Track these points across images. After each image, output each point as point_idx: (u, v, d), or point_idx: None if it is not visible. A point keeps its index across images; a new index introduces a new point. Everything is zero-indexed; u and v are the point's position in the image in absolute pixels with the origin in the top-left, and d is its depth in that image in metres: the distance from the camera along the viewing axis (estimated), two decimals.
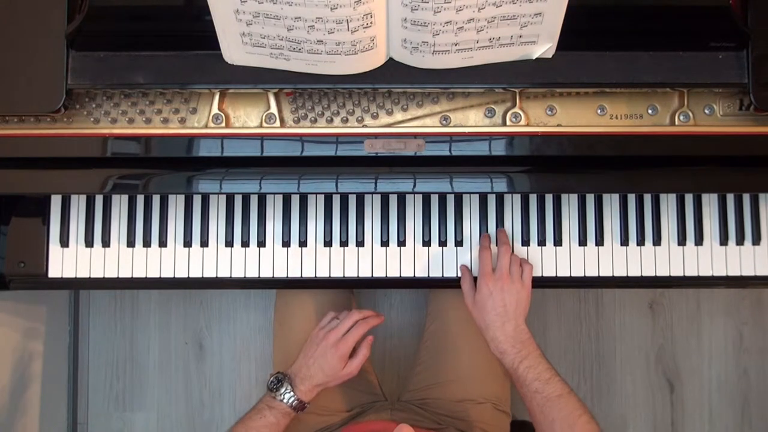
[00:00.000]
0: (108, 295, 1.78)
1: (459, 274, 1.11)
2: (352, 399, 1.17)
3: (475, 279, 1.08)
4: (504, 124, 1.02)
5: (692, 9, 0.94)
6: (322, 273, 1.13)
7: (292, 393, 1.02)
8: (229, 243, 1.13)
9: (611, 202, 1.14)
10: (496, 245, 1.11)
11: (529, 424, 1.27)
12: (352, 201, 1.14)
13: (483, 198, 1.14)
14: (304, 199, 1.14)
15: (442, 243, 1.13)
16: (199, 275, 1.13)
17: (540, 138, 1.01)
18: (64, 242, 1.13)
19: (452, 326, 1.19)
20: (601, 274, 1.13)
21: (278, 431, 1.02)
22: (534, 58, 0.95)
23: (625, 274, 1.13)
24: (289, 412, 1.02)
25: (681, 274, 1.13)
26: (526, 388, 0.98)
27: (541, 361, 0.99)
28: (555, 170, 1.04)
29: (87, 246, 1.13)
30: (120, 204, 1.14)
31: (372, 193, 1.12)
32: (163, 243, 1.13)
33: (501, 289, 1.02)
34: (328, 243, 1.13)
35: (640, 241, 1.13)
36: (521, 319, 1.02)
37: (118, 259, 1.13)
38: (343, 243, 1.13)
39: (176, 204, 1.14)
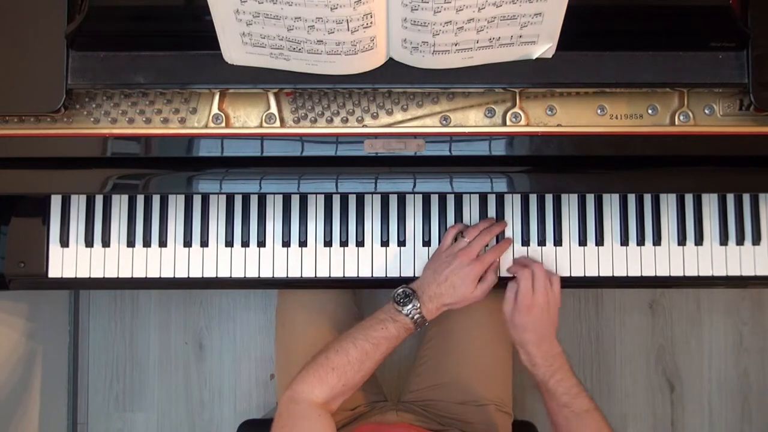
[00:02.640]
0: (108, 295, 1.78)
1: None
2: (355, 397, 1.17)
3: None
4: (504, 124, 1.02)
5: (692, 9, 0.94)
6: (322, 273, 1.13)
7: (419, 310, 1.00)
8: (229, 243, 1.13)
9: (611, 202, 1.14)
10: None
11: (530, 425, 1.27)
12: (352, 201, 1.14)
13: (483, 198, 1.14)
14: (304, 199, 1.14)
15: None
16: (199, 275, 1.13)
17: (540, 138, 1.01)
18: (64, 242, 1.13)
19: (454, 327, 1.19)
20: (601, 274, 1.13)
21: (395, 344, 1.01)
22: (534, 58, 0.95)
23: (625, 274, 1.13)
24: (411, 328, 1.01)
25: (681, 274, 1.13)
26: (556, 401, 0.98)
27: (571, 375, 0.99)
28: (555, 170, 1.04)
29: (87, 246, 1.13)
30: (120, 204, 1.14)
31: (372, 193, 1.12)
32: (163, 243, 1.13)
33: (541, 311, 1.01)
34: (328, 243, 1.13)
35: (640, 241, 1.13)
36: (554, 335, 1.02)
37: (118, 259, 1.13)
38: (343, 243, 1.13)
39: (176, 204, 1.14)
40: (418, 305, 1.00)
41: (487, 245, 1.08)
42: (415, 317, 1.00)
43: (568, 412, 0.96)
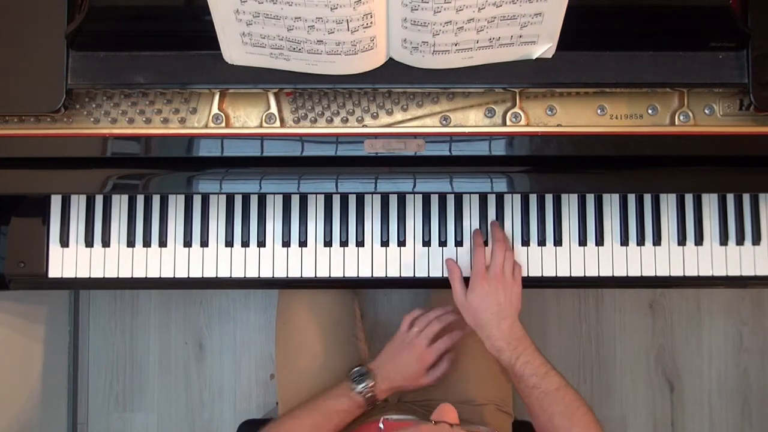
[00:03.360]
0: (108, 295, 1.78)
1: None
2: None
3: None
4: (504, 124, 1.02)
5: (692, 9, 0.94)
6: (322, 273, 1.13)
7: (372, 389, 1.05)
8: (229, 243, 1.13)
9: (611, 202, 1.14)
10: (491, 240, 1.10)
11: (530, 425, 1.27)
12: (352, 201, 1.14)
13: (483, 198, 1.14)
14: (304, 199, 1.14)
15: (442, 243, 1.13)
16: (199, 275, 1.13)
17: (540, 138, 1.01)
18: (64, 242, 1.13)
19: (454, 327, 1.18)
20: (601, 274, 1.13)
21: (347, 419, 1.05)
22: (534, 58, 0.95)
23: (625, 274, 1.13)
24: (363, 406, 1.06)
25: (681, 274, 1.13)
26: (524, 383, 0.98)
27: (537, 356, 1.00)
28: (555, 170, 1.04)
29: (87, 246, 1.13)
30: (120, 204, 1.14)
31: (372, 193, 1.12)
32: (163, 243, 1.13)
33: (495, 288, 1.02)
34: (328, 243, 1.13)
35: (640, 241, 1.13)
36: (515, 317, 1.02)
37: (118, 259, 1.13)
38: (343, 243, 1.13)
39: (176, 204, 1.14)
40: (372, 384, 1.06)
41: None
42: (368, 395, 1.05)
43: (538, 392, 0.96)
